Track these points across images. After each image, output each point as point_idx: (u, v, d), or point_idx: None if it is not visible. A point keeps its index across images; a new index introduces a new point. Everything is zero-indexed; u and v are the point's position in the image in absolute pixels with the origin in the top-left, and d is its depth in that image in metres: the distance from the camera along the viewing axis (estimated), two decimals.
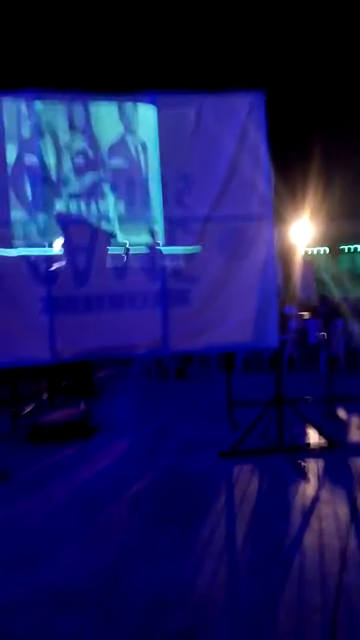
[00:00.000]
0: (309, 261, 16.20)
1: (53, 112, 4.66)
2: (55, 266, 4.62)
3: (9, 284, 4.58)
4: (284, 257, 14.92)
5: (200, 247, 4.81)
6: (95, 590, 2.84)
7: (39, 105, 4.61)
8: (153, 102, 4.74)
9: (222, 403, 6.34)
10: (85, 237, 4.70)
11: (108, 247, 4.73)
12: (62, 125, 4.67)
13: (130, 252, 4.76)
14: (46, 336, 4.61)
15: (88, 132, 4.72)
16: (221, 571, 2.98)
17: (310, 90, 13.07)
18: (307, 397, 6.67)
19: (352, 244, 16.59)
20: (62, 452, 5.37)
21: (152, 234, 4.80)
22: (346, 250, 16.78)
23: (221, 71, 11.69)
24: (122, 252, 4.75)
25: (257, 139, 4.83)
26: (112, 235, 4.74)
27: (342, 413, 6.22)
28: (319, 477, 4.36)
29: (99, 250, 4.72)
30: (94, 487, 4.38)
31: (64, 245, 4.67)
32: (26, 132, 4.63)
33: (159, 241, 4.78)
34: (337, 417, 6.09)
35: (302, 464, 4.52)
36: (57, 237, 4.66)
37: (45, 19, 12.09)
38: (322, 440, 5.15)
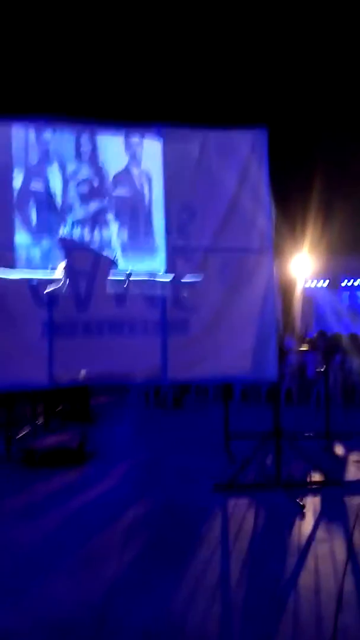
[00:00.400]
0: (309, 295, 16.31)
1: (61, 140, 4.77)
2: (54, 289, 4.64)
3: (10, 307, 4.59)
4: (284, 290, 15.06)
5: (201, 277, 4.84)
6: (85, 621, 2.75)
7: (47, 133, 4.72)
8: (158, 135, 4.85)
9: (219, 434, 6.27)
10: (88, 263, 4.74)
11: (110, 274, 4.77)
12: (69, 153, 4.77)
13: (132, 279, 4.79)
14: (45, 360, 4.59)
15: (94, 161, 4.81)
16: (214, 608, 2.89)
17: (311, 125, 13.40)
18: (304, 431, 6.62)
19: (352, 278, 16.71)
20: (56, 478, 5.28)
21: (154, 262, 4.84)
22: (346, 284, 16.88)
23: (224, 106, 11.99)
24: (123, 279, 4.78)
25: (259, 174, 4.92)
26: (114, 262, 4.78)
27: (339, 449, 6.15)
28: (315, 514, 4.28)
29: (101, 276, 4.75)
30: (87, 515, 4.29)
31: (66, 270, 4.70)
32: (34, 158, 4.72)
33: (160, 270, 4.82)
34: (334, 453, 6.02)
35: (299, 501, 4.44)
36: (60, 262, 4.70)
37: (56, 49, 12.48)
38: (320, 477, 5.08)
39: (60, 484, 5.10)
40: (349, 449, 6.14)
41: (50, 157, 4.72)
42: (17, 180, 4.68)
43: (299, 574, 3.28)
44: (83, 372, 4.70)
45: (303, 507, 4.35)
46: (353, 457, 5.92)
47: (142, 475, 5.40)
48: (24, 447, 5.92)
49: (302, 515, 4.22)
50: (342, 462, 5.77)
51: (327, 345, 10.46)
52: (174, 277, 4.82)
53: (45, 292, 4.64)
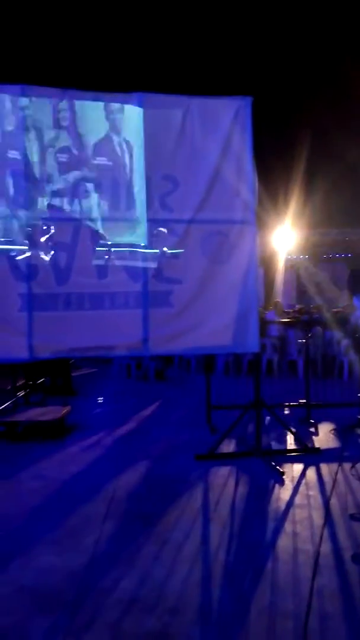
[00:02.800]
0: (291, 268, 16.38)
1: (38, 108, 4.60)
2: (33, 261, 4.56)
3: None
4: (266, 263, 15.10)
5: (183, 248, 4.80)
6: (68, 590, 2.81)
7: (24, 100, 4.56)
8: (139, 103, 4.72)
9: (201, 405, 6.34)
10: (68, 235, 4.65)
11: (90, 246, 4.69)
12: (47, 121, 4.62)
13: (113, 251, 4.73)
14: (24, 333, 4.54)
15: (73, 130, 4.67)
16: (195, 574, 2.97)
17: (293, 97, 13.24)
18: (285, 402, 6.73)
19: (333, 253, 16.82)
20: (37, 451, 5.30)
21: (135, 234, 4.77)
22: (326, 258, 17.00)
23: (207, 75, 11.75)
24: (104, 251, 4.71)
25: (242, 145, 4.85)
26: (95, 234, 4.70)
27: (318, 418, 6.28)
28: (294, 481, 4.39)
29: (81, 248, 4.67)
30: (69, 487, 4.33)
31: (45, 242, 4.62)
32: (10, 126, 4.56)
33: (141, 242, 4.76)
34: (313, 422, 6.15)
35: (279, 468, 4.54)
36: (39, 234, 4.61)
37: (35, 15, 12.00)
38: (299, 445, 5.20)
39: (42, 457, 5.12)
40: (327, 419, 6.27)
41: (28, 125, 4.56)
42: None
43: (278, 538, 3.38)
44: (64, 345, 4.66)
45: (282, 474, 4.45)
46: (330, 426, 6.05)
47: (124, 447, 5.45)
48: (5, 421, 5.90)
49: (281, 482, 4.32)
50: (320, 431, 5.90)
51: (307, 318, 10.57)
52: (155, 249, 4.77)
53: (24, 265, 4.56)
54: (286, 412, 6.62)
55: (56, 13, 11.97)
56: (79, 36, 12.23)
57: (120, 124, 4.75)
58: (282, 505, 3.92)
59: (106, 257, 4.71)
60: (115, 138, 4.75)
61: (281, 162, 12.31)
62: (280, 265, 15.67)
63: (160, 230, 4.78)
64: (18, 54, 11.42)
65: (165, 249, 4.79)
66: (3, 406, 6.78)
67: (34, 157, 4.57)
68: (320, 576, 2.90)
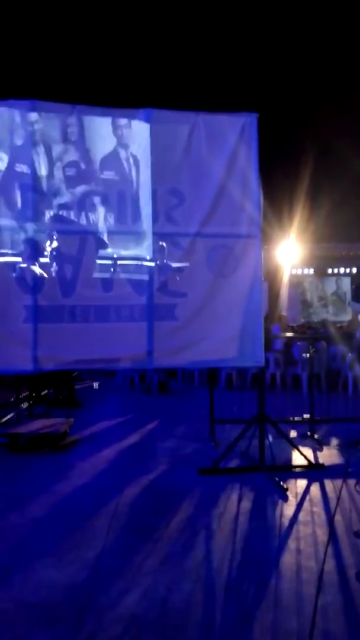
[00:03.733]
0: (296, 282, 16.39)
1: (47, 123, 4.68)
2: (39, 273, 4.59)
3: None
4: (271, 277, 15.12)
5: (188, 262, 4.83)
6: (69, 605, 2.78)
7: (33, 115, 4.63)
8: (147, 119, 4.78)
9: (204, 419, 6.32)
10: (74, 248, 4.69)
11: (96, 259, 4.73)
12: (55, 136, 4.69)
13: (118, 264, 4.76)
14: (29, 345, 4.56)
15: (81, 145, 4.74)
16: (197, 590, 2.94)
17: (299, 113, 13.37)
18: (288, 416, 6.69)
19: (338, 267, 16.82)
20: (40, 463, 5.29)
21: (141, 247, 4.81)
22: (331, 273, 16.99)
23: (214, 92, 11.89)
24: (110, 264, 4.75)
25: (248, 160, 4.89)
26: (101, 247, 4.74)
27: (322, 434, 6.24)
28: (298, 497, 4.35)
29: (87, 261, 4.71)
30: (71, 500, 4.31)
31: (51, 255, 4.66)
32: (19, 140, 4.63)
33: (147, 255, 4.79)
34: (318, 437, 6.11)
35: (282, 484, 4.50)
36: (46, 246, 4.65)
37: (44, 32, 12.22)
38: (303, 461, 5.16)
39: (44, 469, 5.11)
40: (331, 434, 6.23)
41: (36, 138, 4.64)
42: (2, 163, 4.59)
43: (281, 555, 3.34)
44: (68, 357, 4.68)
45: (286, 489, 4.42)
46: (335, 441, 6.02)
47: (127, 460, 5.43)
48: (8, 433, 5.90)
49: (285, 498, 4.29)
50: (324, 446, 5.86)
51: (311, 332, 10.56)
52: (161, 262, 4.80)
53: (30, 277, 4.59)
54: (292, 433, 6.59)
55: (66, 30, 12.18)
56: (88, 52, 12.43)
57: (128, 139, 4.81)
58: (286, 522, 3.88)
59: (111, 269, 4.74)
60: (122, 153, 4.81)
61: (287, 177, 12.40)
62: (285, 279, 15.69)
63: (166, 244, 4.82)
64: (28, 69, 11.61)
65: (170, 262, 4.82)
66: (6, 418, 6.78)
67: (42, 171, 4.63)
68: (324, 594, 2.86)
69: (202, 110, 4.90)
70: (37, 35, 12.13)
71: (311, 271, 16.59)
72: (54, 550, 3.41)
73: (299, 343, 9.76)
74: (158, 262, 4.79)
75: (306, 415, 6.46)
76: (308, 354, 7.89)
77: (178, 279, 4.82)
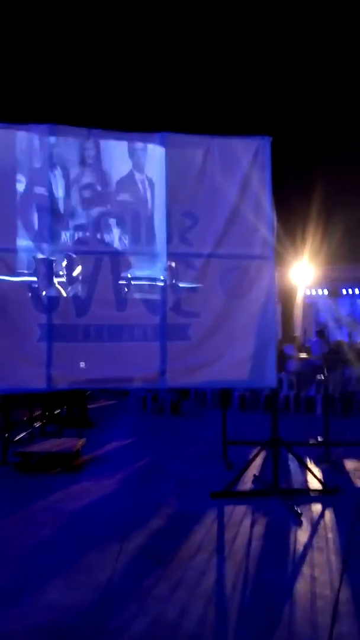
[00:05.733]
0: (309, 304, 16.34)
1: (65, 146, 4.79)
2: (54, 293, 4.65)
3: (10, 310, 4.59)
4: (285, 298, 15.10)
5: (201, 283, 4.85)
6: (79, 629, 2.74)
7: (52, 139, 4.75)
8: (162, 143, 4.87)
9: (216, 440, 6.26)
10: (89, 268, 4.75)
11: (111, 279, 4.77)
12: (72, 159, 4.80)
13: (132, 284, 4.81)
14: (43, 364, 4.59)
15: (97, 167, 4.84)
16: (209, 615, 2.88)
17: (313, 135, 13.49)
18: (302, 439, 6.60)
19: (351, 287, 16.75)
20: (52, 482, 5.27)
21: (155, 268, 4.85)
22: (345, 293, 16.92)
23: (228, 116, 12.08)
24: (124, 284, 4.79)
25: (261, 183, 4.94)
26: (115, 268, 4.79)
27: (337, 457, 6.14)
28: (312, 522, 4.27)
29: (101, 281, 4.76)
30: (83, 521, 4.28)
31: (66, 275, 4.72)
32: (37, 163, 4.75)
33: (161, 275, 4.83)
34: (333, 461, 6.01)
35: (297, 509, 4.42)
36: (61, 267, 4.71)
37: (61, 57, 12.58)
38: (317, 485, 5.07)
39: (56, 489, 5.08)
40: (346, 457, 6.13)
41: (54, 161, 4.75)
42: (20, 185, 4.70)
43: (295, 582, 3.27)
44: (81, 376, 4.70)
45: (300, 515, 4.33)
46: (350, 465, 5.91)
47: (139, 481, 5.38)
48: (20, 451, 5.90)
49: (299, 523, 4.21)
50: (339, 470, 5.76)
51: (327, 352, 10.47)
52: (174, 283, 4.83)
53: (45, 296, 4.65)
54: (307, 456, 6.50)
55: (83, 55, 12.52)
56: (105, 78, 12.74)
57: (143, 162, 4.90)
58: (300, 547, 3.80)
59: (126, 290, 4.78)
60: (137, 175, 4.89)
61: (301, 198, 12.47)
62: (298, 300, 15.66)
63: (180, 265, 4.85)
64: (45, 94, 11.92)
65: (184, 282, 4.85)
66: (19, 437, 6.79)
67: (60, 193, 4.72)
68: (340, 623, 2.78)
69: (217, 133, 4.99)
70: (54, 61, 12.48)
71: (325, 292, 16.54)
72: (63, 572, 3.37)
73: (312, 364, 9.68)
74: (172, 282, 4.83)
75: (320, 439, 6.36)
76: (322, 376, 7.81)
77: (191, 299, 4.84)
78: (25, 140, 4.72)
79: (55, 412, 8.20)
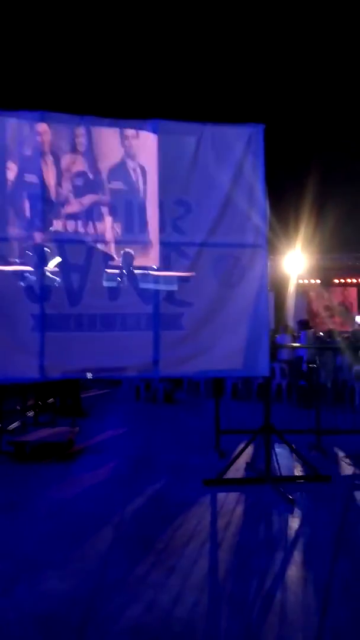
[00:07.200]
0: (302, 292, 16.38)
1: (56, 133, 4.73)
2: (46, 282, 4.62)
3: (2, 299, 4.56)
4: (277, 287, 15.12)
5: (194, 272, 4.84)
6: (73, 617, 2.76)
7: (42, 126, 4.68)
8: (154, 130, 4.82)
9: (209, 429, 6.29)
10: (81, 257, 4.72)
11: (103, 268, 4.75)
12: (64, 146, 4.74)
13: (125, 273, 4.78)
14: (36, 353, 4.57)
15: (89, 155, 4.78)
16: (202, 602, 2.91)
17: (306, 124, 13.44)
18: (294, 428, 6.64)
19: (344, 277, 16.81)
20: (45, 471, 5.28)
21: (148, 256, 4.83)
22: (337, 283, 16.98)
23: (221, 103, 11.99)
24: (116, 274, 4.77)
25: (254, 171, 4.91)
26: (107, 256, 4.77)
27: (328, 445, 6.19)
28: (304, 509, 4.31)
29: (94, 270, 4.73)
30: (76, 510, 4.29)
31: (59, 264, 4.69)
32: (28, 151, 4.68)
33: (154, 264, 4.81)
34: (323, 448, 6.06)
35: (288, 496, 4.47)
36: (53, 256, 4.68)
37: (52, 44, 12.39)
38: (309, 472, 5.12)
39: (50, 478, 5.09)
40: (337, 446, 6.18)
41: (45, 149, 4.69)
42: (11, 173, 4.65)
43: (287, 567, 3.31)
44: (75, 365, 4.69)
45: (292, 501, 4.38)
46: (341, 453, 5.97)
47: (132, 470, 5.41)
48: (14, 440, 5.90)
49: (291, 510, 4.25)
50: (330, 458, 5.82)
51: (318, 342, 10.52)
52: (167, 272, 4.81)
53: (37, 286, 4.62)
54: (299, 444, 6.55)
55: (73, 41, 12.34)
56: (96, 64, 12.57)
57: (135, 150, 4.85)
58: (292, 534, 3.85)
59: (118, 279, 4.76)
60: (130, 163, 4.84)
61: (294, 187, 12.44)
62: (291, 289, 15.69)
63: (173, 253, 4.83)
64: (36, 81, 11.75)
65: (176, 271, 4.83)
66: (12, 426, 6.78)
67: (51, 181, 4.67)
68: (332, 607, 2.82)
69: (210, 121, 4.94)
70: (44, 47, 12.30)
71: (317, 281, 16.59)
72: (57, 560, 3.39)
73: (304, 353, 9.72)
74: (164, 271, 4.81)
75: (312, 427, 6.41)
76: (314, 365, 7.86)
77: (184, 288, 4.83)
78: (16, 128, 4.65)
79: (49, 402, 8.20)
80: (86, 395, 9.85)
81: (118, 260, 4.77)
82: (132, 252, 4.81)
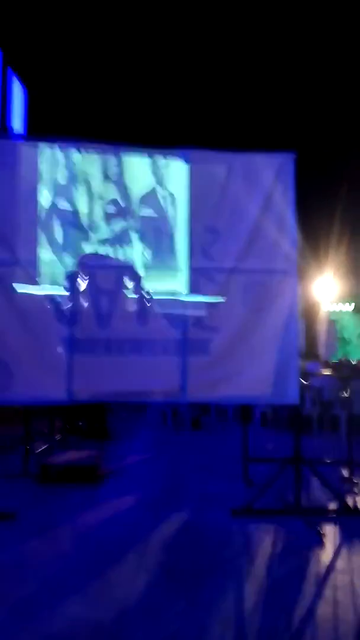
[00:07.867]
0: (332, 319, 16.16)
1: (88, 161, 4.88)
2: (76, 306, 4.69)
3: (33, 322, 4.65)
4: (307, 314, 14.97)
5: (223, 297, 4.84)
6: None
7: (75, 154, 4.84)
8: (185, 158, 4.92)
9: (237, 457, 6.18)
10: (111, 281, 4.80)
11: (132, 293, 4.81)
12: (96, 174, 4.87)
13: (154, 298, 4.82)
14: (64, 376, 4.62)
15: (120, 182, 4.90)
16: (227, 636, 2.82)
17: (336, 150, 13.46)
18: (325, 458, 6.47)
19: None
20: (71, 495, 5.26)
21: (176, 282, 4.86)
22: None
23: (251, 131, 12.15)
24: (145, 299, 4.81)
25: (285, 199, 4.92)
26: (136, 281, 4.82)
27: None
28: (335, 543, 4.16)
29: (123, 294, 4.80)
30: (102, 535, 4.25)
31: (88, 288, 4.77)
32: (61, 178, 4.84)
33: (182, 290, 4.84)
34: (355, 481, 5.86)
35: (319, 529, 4.32)
36: (83, 280, 4.77)
37: (87, 72, 12.86)
38: (340, 505, 4.95)
39: (75, 502, 5.08)
40: None
41: (78, 177, 4.83)
42: (46, 200, 4.79)
43: (317, 604, 3.18)
44: (102, 389, 4.71)
45: (322, 535, 4.23)
46: None
47: (158, 496, 5.34)
48: (40, 463, 5.92)
49: (322, 544, 4.10)
50: None
51: (348, 370, 10.30)
52: (196, 298, 4.83)
53: (67, 309, 4.70)
54: (327, 468, 6.36)
55: (106, 71, 12.77)
56: (129, 92, 12.96)
57: (166, 178, 4.94)
58: (322, 569, 3.71)
59: (148, 304, 4.80)
60: (160, 191, 4.93)
61: (325, 212, 12.41)
62: (322, 315, 15.51)
63: (202, 279, 4.86)
64: (71, 109, 12.18)
65: (205, 297, 4.85)
66: (40, 449, 6.82)
67: (83, 208, 4.80)
68: None
69: (240, 147, 5.00)
70: (79, 75, 12.75)
71: (350, 306, 16.34)
72: (81, 586, 3.35)
73: (332, 381, 9.52)
74: (193, 296, 4.83)
75: (344, 458, 6.22)
76: (346, 394, 7.68)
77: (213, 314, 4.83)
78: (51, 156, 4.82)
79: (76, 425, 8.23)
80: (113, 418, 9.85)
81: (147, 285, 4.82)
82: (162, 278, 4.86)
